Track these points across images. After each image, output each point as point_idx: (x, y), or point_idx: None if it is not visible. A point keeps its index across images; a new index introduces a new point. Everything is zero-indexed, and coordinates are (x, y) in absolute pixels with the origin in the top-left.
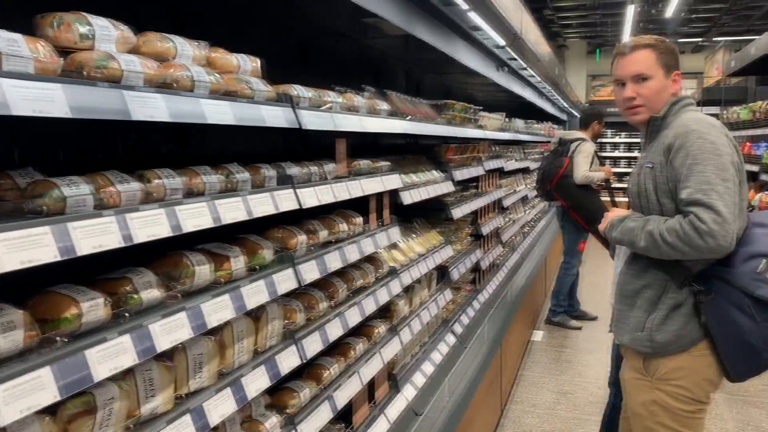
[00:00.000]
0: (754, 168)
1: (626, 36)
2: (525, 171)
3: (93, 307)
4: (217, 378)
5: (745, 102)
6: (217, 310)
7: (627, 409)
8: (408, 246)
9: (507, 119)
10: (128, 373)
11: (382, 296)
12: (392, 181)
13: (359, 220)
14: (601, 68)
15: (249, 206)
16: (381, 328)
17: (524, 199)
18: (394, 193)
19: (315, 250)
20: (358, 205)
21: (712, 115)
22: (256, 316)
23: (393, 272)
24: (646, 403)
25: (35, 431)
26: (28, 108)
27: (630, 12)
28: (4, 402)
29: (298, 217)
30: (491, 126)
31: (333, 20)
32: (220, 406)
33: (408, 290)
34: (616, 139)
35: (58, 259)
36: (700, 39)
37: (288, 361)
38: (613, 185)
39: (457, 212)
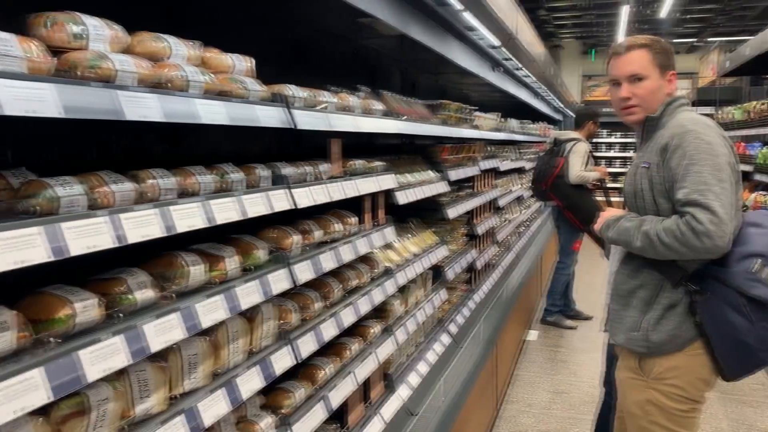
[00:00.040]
0: (748, 168)
1: (620, 36)
2: (520, 171)
3: (86, 307)
4: (211, 378)
5: (739, 102)
6: (211, 310)
7: (621, 408)
8: (403, 246)
9: (502, 119)
10: (122, 373)
11: (377, 296)
12: (387, 181)
13: (354, 220)
14: (596, 68)
15: (243, 206)
16: (376, 328)
17: (519, 199)
18: (388, 193)
19: (309, 250)
20: (353, 205)
21: (706, 115)
22: (250, 316)
23: (388, 272)
24: (641, 402)
25: None
26: (20, 108)
27: (624, 12)
28: None
29: (293, 218)
30: (486, 126)
31: (327, 20)
32: (214, 407)
33: (403, 290)
34: (611, 139)
35: (51, 259)
36: (694, 39)
37: (282, 361)
38: (608, 185)
39: (452, 212)
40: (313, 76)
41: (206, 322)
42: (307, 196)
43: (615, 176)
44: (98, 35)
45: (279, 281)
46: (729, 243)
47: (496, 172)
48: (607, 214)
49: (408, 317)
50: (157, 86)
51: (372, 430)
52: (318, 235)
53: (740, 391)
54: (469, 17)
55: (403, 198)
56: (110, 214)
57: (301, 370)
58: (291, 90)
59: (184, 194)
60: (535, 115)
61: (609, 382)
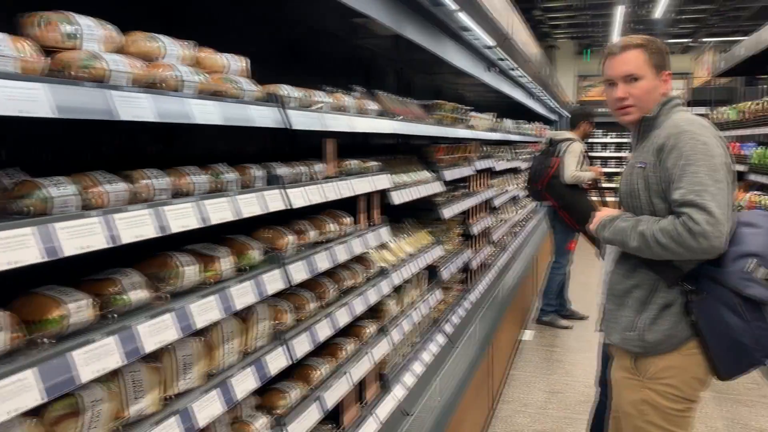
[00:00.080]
0: (742, 168)
1: (615, 36)
2: (515, 171)
3: (79, 308)
4: (205, 379)
5: (733, 102)
6: (205, 311)
7: (616, 408)
8: (398, 246)
9: (497, 119)
10: (115, 374)
11: (372, 296)
12: (382, 181)
13: (349, 220)
14: (590, 69)
15: (237, 206)
16: (371, 329)
17: (514, 199)
18: (384, 193)
19: (304, 250)
20: (348, 206)
21: (700, 115)
22: (244, 316)
23: (383, 272)
24: (636, 402)
25: None
26: (13, 108)
27: (619, 13)
28: None
29: (287, 218)
30: (481, 126)
31: (322, 20)
32: (208, 408)
33: (398, 290)
34: (606, 139)
35: (43, 260)
36: (688, 40)
37: (276, 361)
38: (603, 185)
39: (448, 212)
40: (308, 76)
41: (200, 322)
42: (301, 196)
43: (610, 176)
44: (91, 35)
45: (273, 281)
46: (725, 243)
47: (491, 172)
48: (603, 214)
49: (403, 317)
50: (150, 86)
51: (367, 431)
52: (313, 235)
53: (735, 391)
54: (464, 17)
55: (398, 198)
56: (104, 215)
57: (296, 370)
58: (285, 90)
59: (178, 194)
60: (530, 116)
61: (604, 381)
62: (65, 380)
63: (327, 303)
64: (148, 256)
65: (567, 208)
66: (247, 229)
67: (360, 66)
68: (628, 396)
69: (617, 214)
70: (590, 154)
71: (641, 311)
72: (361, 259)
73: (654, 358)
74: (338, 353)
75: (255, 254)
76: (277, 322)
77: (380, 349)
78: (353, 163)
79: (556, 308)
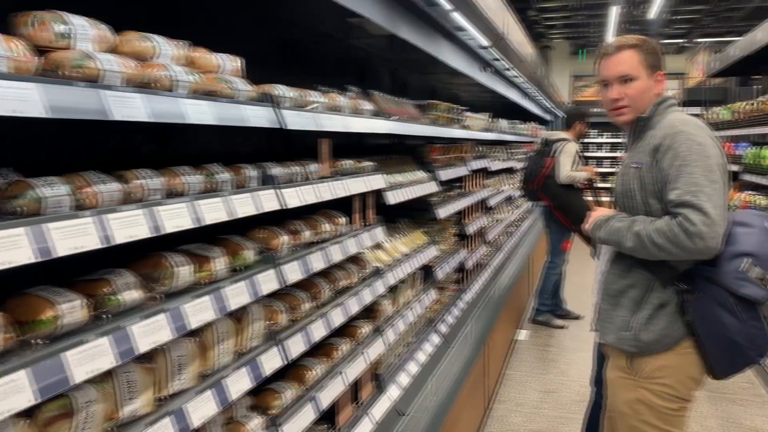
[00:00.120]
0: (735, 168)
1: (610, 37)
2: (510, 171)
3: (71, 309)
4: (198, 380)
5: (727, 102)
6: (199, 311)
7: (611, 407)
8: (393, 246)
9: (491, 119)
10: (108, 375)
11: (367, 296)
12: (376, 181)
13: (343, 220)
14: (585, 69)
15: (231, 207)
16: (365, 329)
17: (509, 199)
18: (378, 194)
19: (298, 250)
20: (343, 206)
21: (694, 115)
22: (238, 317)
23: (377, 272)
24: (631, 401)
25: None
26: (5, 108)
27: (613, 13)
28: None
29: (282, 218)
30: (476, 126)
31: (317, 20)
32: (202, 408)
33: (393, 290)
34: (600, 139)
35: (35, 260)
36: (682, 40)
37: (271, 362)
38: (597, 185)
39: (442, 212)
40: (302, 76)
41: (194, 322)
42: (296, 196)
43: (604, 176)
44: (84, 35)
45: (268, 282)
46: (720, 244)
47: (486, 172)
48: (597, 214)
49: (398, 317)
50: (144, 86)
51: (362, 431)
52: (307, 235)
53: (728, 390)
54: (458, 17)
55: (393, 198)
56: (97, 215)
57: (291, 370)
58: (279, 90)
59: (172, 194)
60: (525, 116)
61: (599, 381)
62: (58, 381)
63: (322, 303)
64: (142, 256)
65: (562, 208)
66: (242, 229)
67: (355, 66)
68: (623, 395)
69: (612, 214)
70: (585, 154)
71: (636, 311)
72: (356, 259)
73: (649, 358)
74: (333, 353)
75: (249, 254)
76: (271, 322)
77: (375, 349)
78: (348, 163)
79: (551, 308)
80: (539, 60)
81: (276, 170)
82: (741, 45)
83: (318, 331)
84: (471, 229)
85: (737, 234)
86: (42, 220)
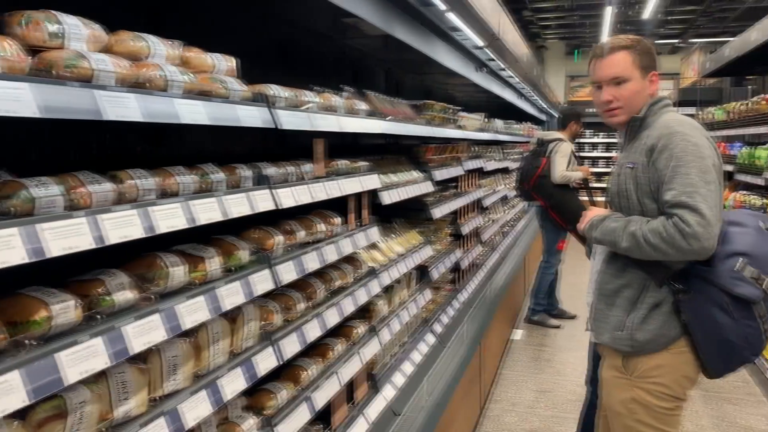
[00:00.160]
0: (729, 167)
1: (604, 37)
2: (505, 171)
3: (63, 309)
4: (192, 380)
5: (720, 103)
6: (193, 311)
7: (605, 407)
8: (387, 246)
9: (486, 119)
10: (101, 375)
11: (361, 296)
12: (371, 181)
13: (338, 220)
14: (580, 69)
15: (225, 207)
16: (360, 329)
17: (504, 199)
18: (373, 194)
19: (293, 250)
20: (338, 206)
21: (688, 115)
22: (232, 317)
23: (372, 272)
24: (626, 401)
25: None
26: None
27: (608, 14)
28: None
29: (276, 218)
30: (471, 126)
31: (311, 20)
32: (196, 409)
33: (388, 290)
34: (595, 139)
35: (28, 261)
36: (676, 40)
37: (265, 362)
38: (592, 185)
39: (437, 212)
40: (296, 76)
41: (188, 323)
42: (290, 196)
43: (599, 176)
44: (77, 34)
45: (261, 282)
46: (715, 244)
47: (481, 172)
48: (592, 214)
49: (393, 317)
50: (137, 86)
51: (357, 431)
52: (301, 235)
53: (722, 389)
54: (453, 18)
55: (387, 198)
56: (90, 215)
57: (285, 370)
58: (273, 90)
59: (165, 195)
60: (520, 116)
61: (593, 380)
62: (52, 381)
63: (316, 303)
64: (136, 256)
65: (556, 208)
66: (236, 229)
67: (349, 66)
68: (617, 395)
69: (607, 214)
70: (579, 154)
71: (631, 311)
72: (350, 259)
73: (644, 357)
74: (328, 353)
75: (243, 254)
76: (266, 322)
77: (370, 349)
78: (342, 163)
79: (546, 308)
80: (534, 60)
81: (270, 170)
82: (735, 45)
83: (313, 331)
84: (466, 229)
85: (731, 234)
86: (35, 221)
